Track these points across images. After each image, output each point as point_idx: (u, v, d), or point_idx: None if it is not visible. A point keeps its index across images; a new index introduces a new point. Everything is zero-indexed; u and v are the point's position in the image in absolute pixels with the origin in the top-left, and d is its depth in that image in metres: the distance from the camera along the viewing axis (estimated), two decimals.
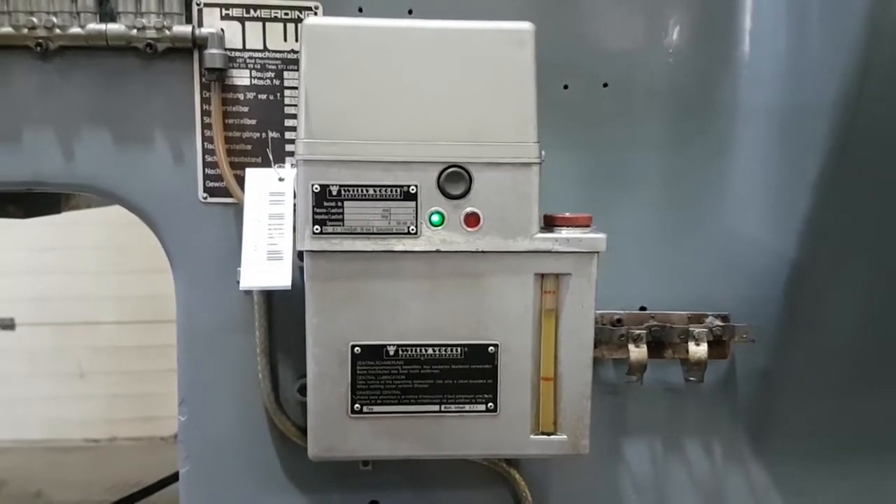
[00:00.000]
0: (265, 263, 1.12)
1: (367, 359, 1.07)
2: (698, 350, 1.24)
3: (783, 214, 1.26)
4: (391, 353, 1.07)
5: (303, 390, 1.17)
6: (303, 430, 1.21)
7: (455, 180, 1.04)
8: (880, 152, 1.21)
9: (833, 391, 1.32)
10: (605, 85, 1.25)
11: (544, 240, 1.06)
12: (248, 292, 1.22)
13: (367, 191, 1.04)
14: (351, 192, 1.03)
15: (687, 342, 1.24)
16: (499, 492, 1.30)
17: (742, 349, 1.29)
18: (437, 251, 1.05)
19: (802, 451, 1.33)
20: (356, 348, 1.07)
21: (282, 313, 1.23)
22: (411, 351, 1.07)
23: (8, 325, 3.81)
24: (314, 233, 1.03)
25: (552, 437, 1.11)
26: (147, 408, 3.74)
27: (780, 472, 1.34)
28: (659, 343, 1.26)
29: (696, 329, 1.24)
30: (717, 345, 1.26)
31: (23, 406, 3.75)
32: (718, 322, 1.26)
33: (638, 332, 1.24)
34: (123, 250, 3.63)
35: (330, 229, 1.04)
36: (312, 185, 1.03)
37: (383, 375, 1.07)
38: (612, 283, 1.25)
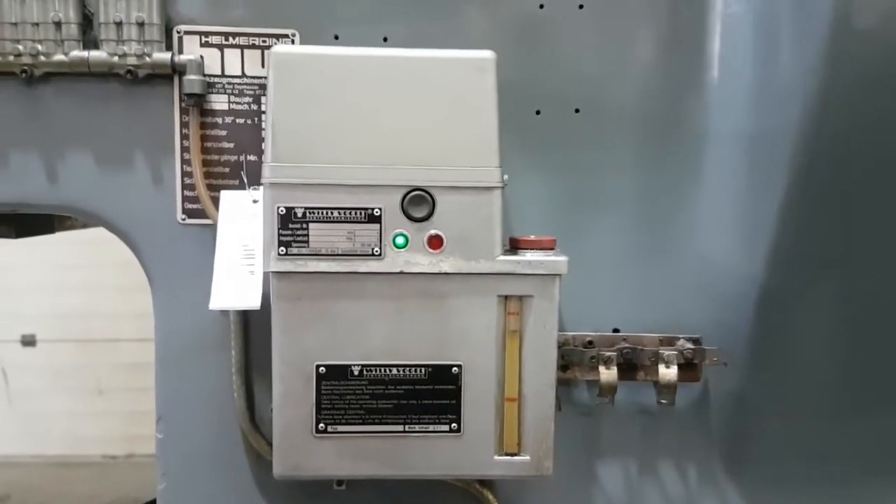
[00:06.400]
0: (236, 284, 1.14)
1: (332, 379, 1.09)
2: (668, 373, 1.24)
3: (753, 237, 1.25)
4: (356, 373, 1.09)
5: None
6: None
7: (418, 203, 1.06)
8: (844, 174, 1.21)
9: (806, 413, 1.31)
10: (577, 110, 1.27)
11: (507, 262, 1.08)
12: (225, 312, 1.24)
13: (331, 213, 1.06)
14: (316, 215, 1.06)
15: (657, 364, 1.25)
16: None
17: (715, 372, 1.28)
18: (402, 272, 1.07)
19: (776, 473, 1.32)
20: (321, 368, 1.08)
21: (258, 332, 1.25)
22: (376, 371, 1.09)
23: (29, 341, 3.88)
24: (279, 254, 1.06)
25: (515, 457, 1.11)
26: None
27: (754, 494, 1.33)
28: (631, 365, 1.26)
29: (666, 352, 1.24)
30: (689, 367, 1.26)
31: (42, 421, 3.80)
32: (689, 345, 1.26)
33: (608, 354, 1.25)
34: None
35: (295, 251, 1.06)
36: (278, 208, 1.05)
37: (348, 395, 1.09)
38: (585, 305, 1.27)
